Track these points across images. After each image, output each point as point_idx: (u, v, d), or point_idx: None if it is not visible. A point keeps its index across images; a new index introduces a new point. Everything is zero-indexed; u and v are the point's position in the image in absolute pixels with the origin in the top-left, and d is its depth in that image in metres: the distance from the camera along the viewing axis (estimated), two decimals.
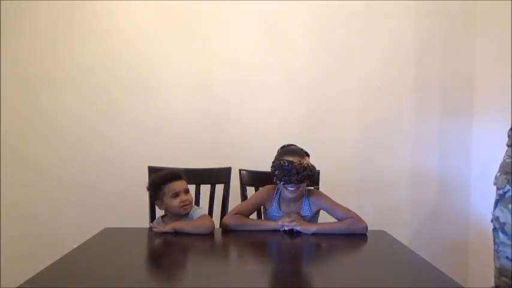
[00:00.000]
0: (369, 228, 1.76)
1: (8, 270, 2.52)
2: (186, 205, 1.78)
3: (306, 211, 1.85)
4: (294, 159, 1.74)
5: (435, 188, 2.61)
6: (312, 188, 2.00)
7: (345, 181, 2.57)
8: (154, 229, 1.72)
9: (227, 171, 2.16)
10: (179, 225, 1.70)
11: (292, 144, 1.91)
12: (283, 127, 2.61)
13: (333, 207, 1.83)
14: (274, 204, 1.88)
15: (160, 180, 1.80)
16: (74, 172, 2.59)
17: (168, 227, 1.69)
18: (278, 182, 1.78)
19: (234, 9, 2.59)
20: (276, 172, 1.75)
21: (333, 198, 1.87)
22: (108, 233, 1.72)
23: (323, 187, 2.08)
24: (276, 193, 1.89)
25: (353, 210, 1.82)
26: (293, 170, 1.72)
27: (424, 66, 2.62)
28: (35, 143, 2.58)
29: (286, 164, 1.73)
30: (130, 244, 1.61)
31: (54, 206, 2.59)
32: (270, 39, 2.61)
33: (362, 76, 2.62)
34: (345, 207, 1.82)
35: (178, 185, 1.79)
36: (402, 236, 1.83)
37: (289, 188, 1.78)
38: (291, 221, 1.75)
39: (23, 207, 2.58)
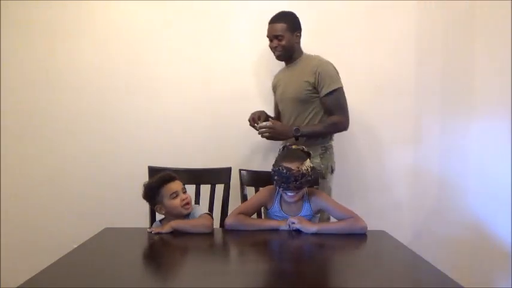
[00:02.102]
0: (369, 228, 1.76)
1: (8, 270, 2.52)
2: (187, 203, 1.78)
3: (306, 211, 1.85)
4: (293, 165, 1.72)
5: (435, 188, 2.61)
6: (313, 188, 2.00)
7: (345, 181, 2.57)
8: (152, 232, 1.68)
9: (227, 171, 2.16)
10: (177, 224, 1.68)
11: (294, 143, 1.90)
12: None
13: (333, 207, 1.83)
14: (276, 204, 1.87)
15: (156, 184, 1.78)
16: (74, 172, 2.60)
17: (166, 227, 1.67)
18: (277, 187, 1.78)
19: (234, 9, 2.59)
20: (275, 177, 1.75)
21: (333, 198, 1.87)
22: (108, 233, 1.72)
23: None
24: (277, 193, 1.89)
25: (353, 210, 1.81)
26: (291, 178, 1.70)
27: (424, 66, 2.62)
28: (34, 143, 2.59)
29: (284, 171, 1.71)
30: (130, 244, 1.60)
31: (55, 205, 2.59)
32: None
33: (362, 76, 2.62)
34: (344, 207, 1.81)
35: (175, 185, 1.78)
36: (402, 236, 1.82)
37: (288, 194, 1.78)
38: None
39: (23, 207, 2.59)
